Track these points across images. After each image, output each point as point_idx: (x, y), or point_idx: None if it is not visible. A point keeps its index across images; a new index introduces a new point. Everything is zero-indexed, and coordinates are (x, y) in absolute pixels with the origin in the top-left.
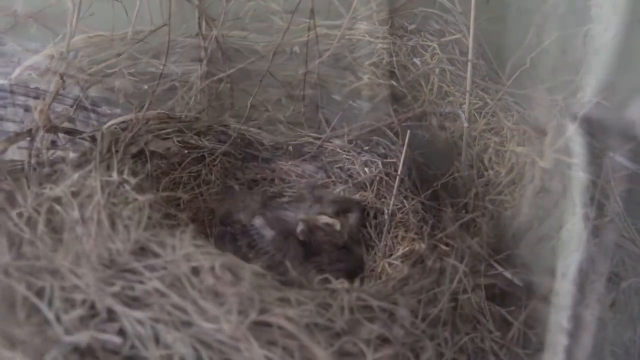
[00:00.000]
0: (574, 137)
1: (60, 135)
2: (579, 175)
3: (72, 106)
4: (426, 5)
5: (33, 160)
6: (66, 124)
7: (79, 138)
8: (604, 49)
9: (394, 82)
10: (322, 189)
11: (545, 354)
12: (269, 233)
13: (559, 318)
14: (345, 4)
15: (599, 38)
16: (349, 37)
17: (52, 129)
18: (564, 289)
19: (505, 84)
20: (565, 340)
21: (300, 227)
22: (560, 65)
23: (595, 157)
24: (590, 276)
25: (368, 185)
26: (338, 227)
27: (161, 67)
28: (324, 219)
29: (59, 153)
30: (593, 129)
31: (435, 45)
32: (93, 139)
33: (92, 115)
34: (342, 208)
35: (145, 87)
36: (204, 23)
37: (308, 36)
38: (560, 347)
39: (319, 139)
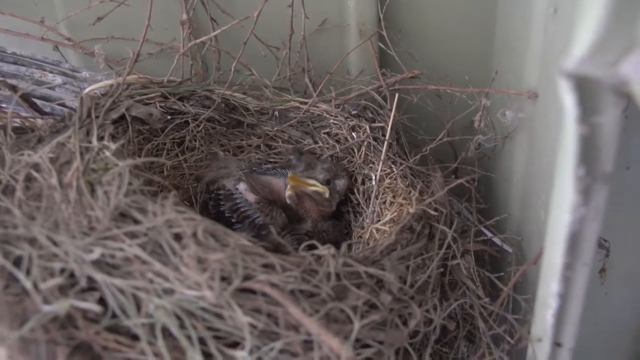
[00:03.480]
0: (566, 95)
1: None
2: (570, 135)
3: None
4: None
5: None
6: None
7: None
8: (596, 4)
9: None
10: (309, 155)
11: (535, 319)
12: (252, 197)
13: (549, 282)
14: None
15: None
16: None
17: None
18: (554, 251)
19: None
20: (555, 303)
21: (288, 193)
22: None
23: (587, 115)
24: (580, 237)
25: (356, 150)
26: (327, 195)
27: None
28: (314, 188)
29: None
30: (585, 86)
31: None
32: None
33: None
34: (331, 176)
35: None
36: None
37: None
38: (550, 310)
39: (305, 103)
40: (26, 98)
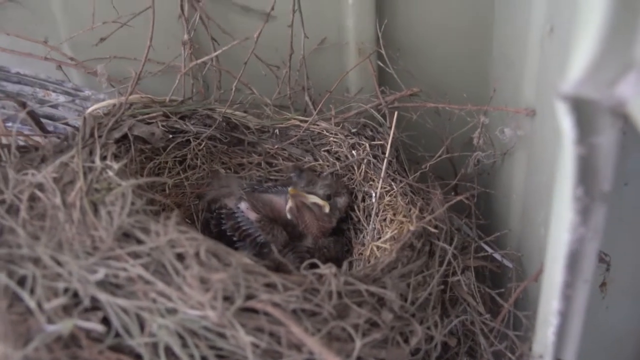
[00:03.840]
0: (563, 117)
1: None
2: (568, 156)
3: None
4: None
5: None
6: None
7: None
8: (592, 25)
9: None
10: (310, 172)
11: (536, 336)
12: (253, 216)
13: (549, 299)
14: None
15: (587, 15)
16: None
17: None
18: (554, 270)
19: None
20: (556, 321)
21: (289, 205)
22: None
23: (585, 136)
24: (580, 256)
25: (356, 168)
26: (327, 209)
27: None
28: (313, 199)
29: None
30: (582, 108)
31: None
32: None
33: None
34: (332, 192)
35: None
36: (186, 4)
37: (292, 18)
38: (551, 328)
39: (305, 122)
40: (33, 116)
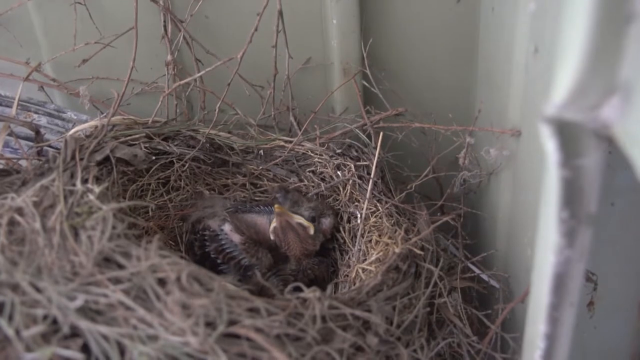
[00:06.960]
0: (547, 140)
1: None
2: (553, 178)
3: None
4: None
5: None
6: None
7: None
8: (576, 47)
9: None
10: (296, 193)
11: (522, 358)
12: (237, 238)
13: (536, 322)
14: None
15: (571, 37)
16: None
17: None
18: (540, 292)
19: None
20: (543, 344)
21: (273, 224)
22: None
23: (569, 159)
24: (566, 278)
25: (341, 188)
26: (312, 231)
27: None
28: (299, 219)
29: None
30: (566, 130)
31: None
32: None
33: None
34: (317, 214)
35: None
36: (169, 25)
37: (276, 38)
38: (538, 351)
39: (290, 142)
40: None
